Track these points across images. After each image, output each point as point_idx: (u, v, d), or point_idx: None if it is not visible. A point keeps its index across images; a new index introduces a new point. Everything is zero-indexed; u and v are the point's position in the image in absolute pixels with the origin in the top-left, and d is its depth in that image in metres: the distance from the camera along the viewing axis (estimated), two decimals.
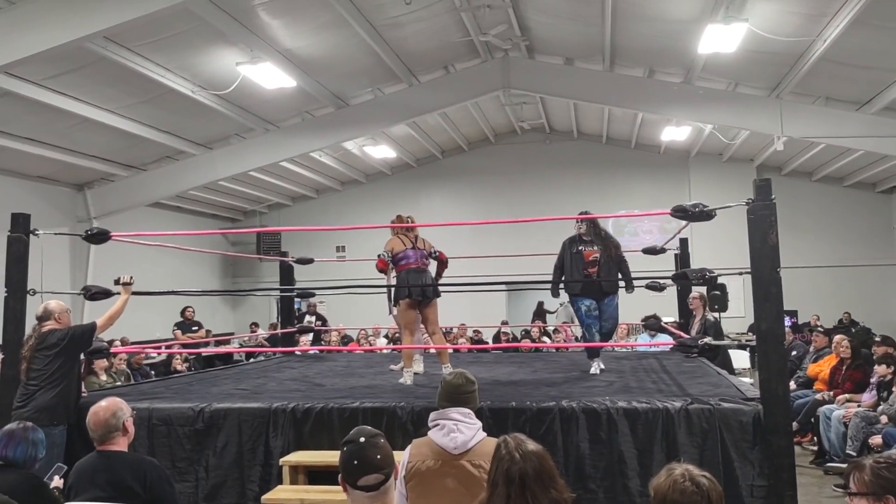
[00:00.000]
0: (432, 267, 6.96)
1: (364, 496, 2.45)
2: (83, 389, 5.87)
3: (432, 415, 3.62)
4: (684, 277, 5.52)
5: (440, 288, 6.85)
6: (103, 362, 8.36)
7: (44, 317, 5.36)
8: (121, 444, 3.70)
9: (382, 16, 10.98)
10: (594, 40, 12.25)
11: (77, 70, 10.24)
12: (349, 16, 10.42)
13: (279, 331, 12.33)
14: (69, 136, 12.26)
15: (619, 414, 4.94)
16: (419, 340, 7.43)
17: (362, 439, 2.51)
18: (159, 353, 9.87)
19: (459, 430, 3.47)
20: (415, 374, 6.85)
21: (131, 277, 5.76)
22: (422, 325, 7.06)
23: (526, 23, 12.38)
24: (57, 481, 4.05)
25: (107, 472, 3.58)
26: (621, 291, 7.23)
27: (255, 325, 17.43)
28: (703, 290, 9.39)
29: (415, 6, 10.41)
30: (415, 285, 6.56)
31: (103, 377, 8.43)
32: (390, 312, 7.49)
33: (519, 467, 2.58)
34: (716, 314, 8.75)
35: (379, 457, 2.48)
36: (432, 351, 7.65)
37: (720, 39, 10.33)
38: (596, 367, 7.09)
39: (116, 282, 5.80)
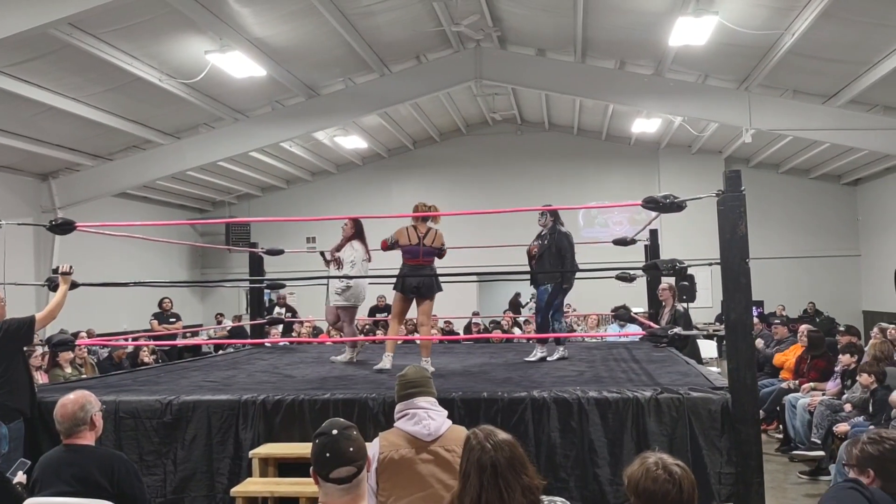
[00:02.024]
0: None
1: (336, 489, 2.43)
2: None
3: (398, 406, 3.66)
4: (655, 268, 5.55)
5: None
6: (67, 354, 8.21)
7: None
8: (88, 438, 3.63)
9: (354, 5, 10.88)
10: (566, 31, 12.26)
11: (42, 57, 10.02)
12: (320, 4, 10.31)
13: (248, 322, 12.25)
14: (33, 124, 12.01)
15: (590, 403, 4.98)
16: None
17: (335, 431, 2.48)
18: (133, 345, 9.70)
19: (430, 416, 3.53)
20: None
21: (70, 267, 5.54)
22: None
23: (498, 13, 12.36)
24: (20, 476, 3.98)
25: (73, 466, 3.51)
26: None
27: (221, 315, 17.30)
28: (672, 280, 9.52)
29: None
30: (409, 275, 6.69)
31: (68, 369, 8.29)
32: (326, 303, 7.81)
33: (490, 456, 2.60)
34: (685, 304, 8.84)
35: (352, 449, 2.46)
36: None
37: (691, 32, 10.40)
38: (535, 354, 7.34)
39: (55, 271, 5.58)
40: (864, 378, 6.34)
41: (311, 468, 2.50)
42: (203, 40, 10.64)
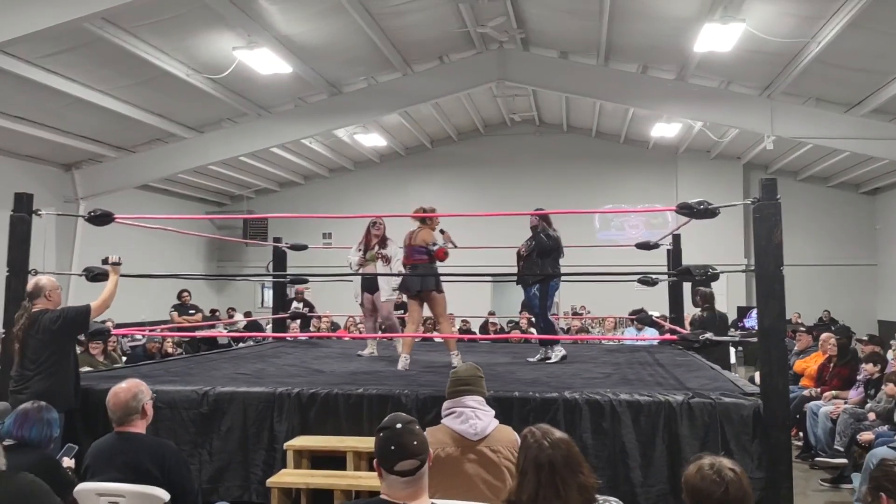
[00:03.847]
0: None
1: (400, 481, 2.49)
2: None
3: (446, 403, 3.70)
4: (687, 273, 5.59)
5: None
6: (100, 345, 8.30)
7: (34, 294, 5.08)
8: (139, 427, 3.70)
9: (381, 4, 10.97)
10: (590, 35, 12.31)
11: (72, 50, 10.15)
12: (348, 3, 10.41)
13: (266, 316, 12.31)
14: (61, 115, 12.15)
15: (622, 406, 5.01)
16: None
17: (399, 425, 2.55)
18: (162, 336, 9.79)
19: (478, 416, 3.57)
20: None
21: (119, 258, 5.55)
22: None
23: (523, 15, 12.41)
24: (68, 461, 4.06)
25: (125, 454, 3.58)
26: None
27: (233, 309, 17.40)
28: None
29: None
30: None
31: (101, 359, 8.38)
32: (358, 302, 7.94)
33: (548, 454, 2.65)
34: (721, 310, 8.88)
35: (415, 443, 2.52)
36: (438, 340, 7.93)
37: (716, 38, 10.43)
38: (547, 354, 7.43)
39: (105, 261, 5.58)
40: (890, 388, 6.36)
41: (375, 461, 2.56)
42: (231, 36, 10.74)
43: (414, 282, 6.83)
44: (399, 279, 7.28)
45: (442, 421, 3.65)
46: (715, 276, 5.49)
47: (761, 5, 9.86)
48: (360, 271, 7.64)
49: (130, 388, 3.70)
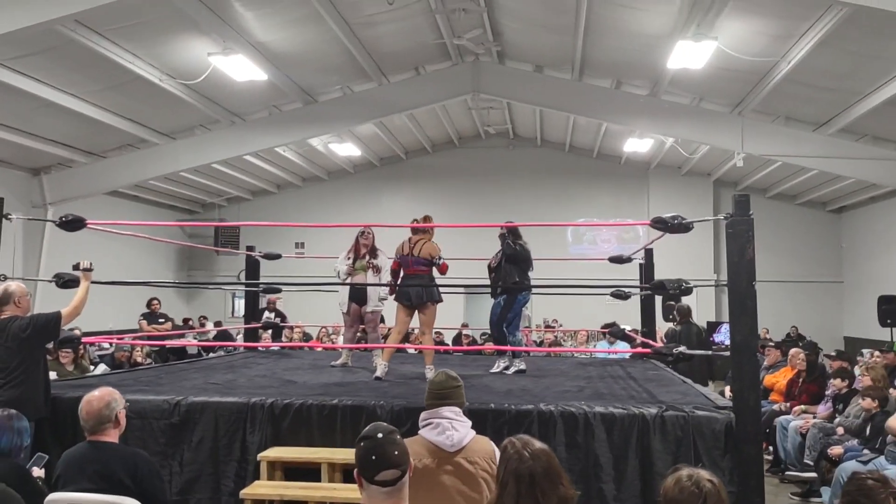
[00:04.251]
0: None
1: (380, 492, 2.48)
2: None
3: (423, 414, 3.68)
4: (662, 287, 5.64)
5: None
6: (70, 354, 8.15)
7: (3, 300, 5.00)
8: (112, 436, 3.64)
9: (358, 14, 10.96)
10: (565, 50, 12.41)
11: (43, 52, 9.99)
12: (324, 11, 10.38)
13: (240, 326, 12.18)
14: (29, 118, 11.93)
15: (597, 419, 5.04)
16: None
17: (380, 435, 2.53)
18: (132, 345, 9.62)
19: (454, 427, 3.55)
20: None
21: (90, 263, 5.47)
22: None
23: (499, 28, 12.48)
24: (38, 471, 3.97)
25: (97, 463, 3.52)
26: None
27: (204, 318, 17.23)
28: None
29: (392, 6, 10.41)
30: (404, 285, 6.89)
31: (70, 368, 8.22)
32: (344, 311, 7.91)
33: (528, 465, 2.65)
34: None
35: (396, 453, 2.51)
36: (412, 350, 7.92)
37: (689, 56, 10.56)
38: (498, 365, 7.52)
39: (76, 267, 5.50)
40: (866, 402, 6.43)
41: (356, 471, 2.54)
42: (206, 42, 10.65)
43: (416, 292, 6.84)
44: (386, 290, 7.30)
45: (419, 432, 3.63)
46: (688, 291, 5.55)
47: (733, 24, 10.01)
48: (348, 281, 7.61)
49: (103, 397, 3.64)
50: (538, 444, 2.75)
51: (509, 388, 6.36)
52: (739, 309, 5.05)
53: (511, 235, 7.40)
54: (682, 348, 5.41)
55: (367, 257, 7.62)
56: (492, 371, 7.50)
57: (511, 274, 7.31)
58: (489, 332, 14.49)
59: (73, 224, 5.90)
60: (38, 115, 11.80)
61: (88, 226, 6.01)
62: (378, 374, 6.75)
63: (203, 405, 5.25)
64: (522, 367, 7.50)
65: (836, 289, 18.38)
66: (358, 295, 7.70)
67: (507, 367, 7.52)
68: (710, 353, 6.34)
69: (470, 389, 6.30)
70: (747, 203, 5.15)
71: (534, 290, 15.13)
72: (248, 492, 4.76)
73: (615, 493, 4.92)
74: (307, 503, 4.67)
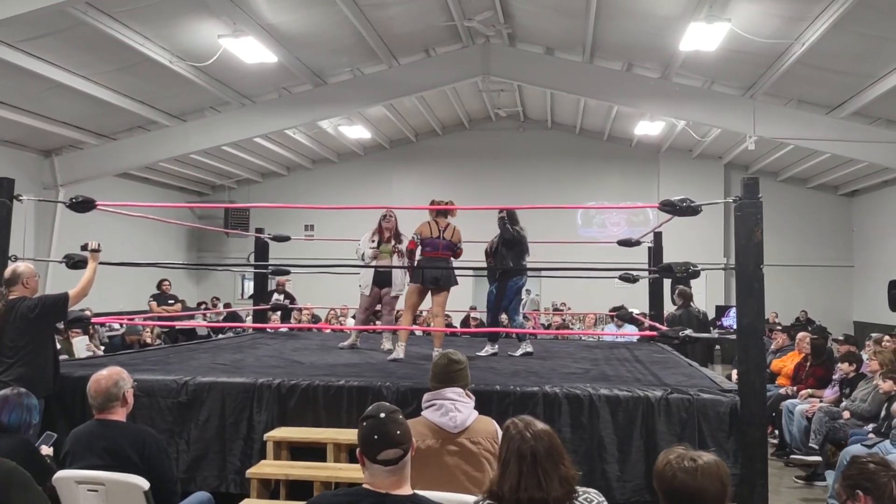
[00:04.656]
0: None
1: (382, 470, 2.50)
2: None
3: (426, 395, 3.71)
4: (669, 270, 5.63)
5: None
6: (79, 332, 8.23)
7: (11, 280, 5.05)
8: (119, 414, 3.69)
9: None
10: (576, 32, 12.33)
11: (55, 34, 10.02)
12: None
13: (248, 307, 12.26)
14: (40, 100, 11.98)
15: (601, 401, 5.05)
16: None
17: (382, 414, 2.56)
18: (143, 325, 9.68)
19: (457, 409, 3.57)
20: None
21: (98, 244, 5.51)
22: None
23: (510, 10, 12.41)
24: (46, 449, 4.03)
25: (105, 440, 3.56)
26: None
27: (217, 299, 17.35)
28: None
29: None
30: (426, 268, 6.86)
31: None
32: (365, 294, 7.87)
33: (530, 445, 2.66)
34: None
35: (398, 432, 2.53)
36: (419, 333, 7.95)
37: (702, 38, 10.49)
38: (487, 350, 7.49)
39: (84, 248, 5.52)
40: (887, 385, 6.38)
41: (358, 450, 2.57)
42: (216, 24, 10.65)
43: (444, 275, 6.89)
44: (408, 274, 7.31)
45: (422, 413, 3.66)
46: (696, 273, 5.53)
47: (746, 5, 9.92)
48: (373, 263, 7.61)
49: (111, 376, 3.68)
50: (540, 425, 2.77)
51: (515, 370, 6.37)
52: (746, 292, 5.03)
53: (509, 220, 7.36)
54: (688, 331, 5.40)
55: (393, 241, 7.62)
56: (478, 354, 7.45)
57: (506, 259, 7.30)
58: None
59: (82, 205, 5.94)
60: (49, 96, 11.84)
61: (98, 207, 6.04)
62: (398, 355, 6.77)
63: (210, 385, 5.29)
64: (529, 349, 7.52)
65: (847, 273, 18.31)
66: (382, 278, 7.73)
67: (494, 353, 7.51)
68: (714, 336, 6.30)
69: (476, 371, 6.32)
70: (756, 186, 5.12)
71: (543, 274, 15.21)
72: (254, 471, 4.81)
73: (619, 474, 4.94)
74: (312, 483, 4.71)
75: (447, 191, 18.31)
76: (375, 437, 2.50)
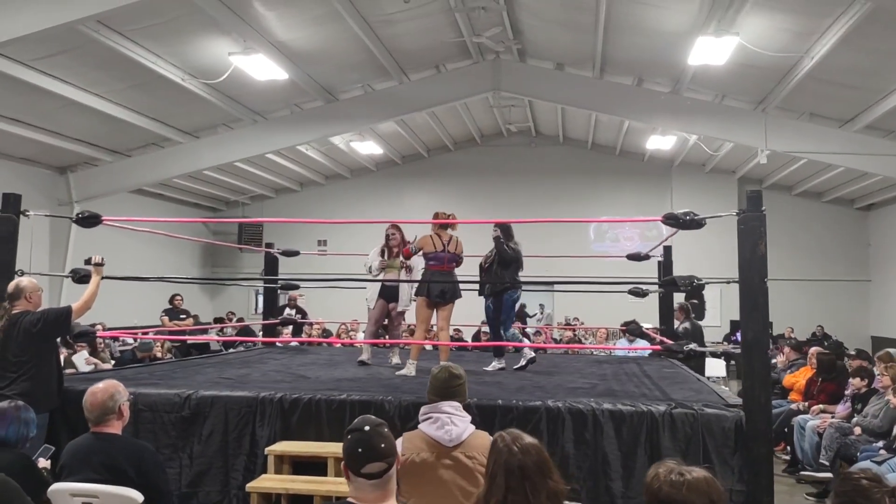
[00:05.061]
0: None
1: (367, 484, 2.48)
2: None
3: (424, 408, 3.68)
4: (673, 284, 5.59)
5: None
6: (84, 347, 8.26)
7: (14, 295, 5.06)
8: (115, 427, 3.69)
9: (377, 12, 11.00)
10: (586, 47, 12.35)
11: (67, 52, 10.16)
12: (344, 10, 10.44)
13: (259, 322, 12.29)
14: (55, 118, 12.14)
15: (605, 416, 5.00)
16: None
17: (367, 427, 2.54)
18: (155, 340, 9.71)
19: (453, 422, 3.54)
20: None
21: (102, 258, 5.49)
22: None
23: (519, 26, 12.46)
24: (44, 462, 4.04)
25: (101, 454, 3.57)
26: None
27: (232, 313, 17.42)
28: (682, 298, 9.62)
29: (411, 4, 10.44)
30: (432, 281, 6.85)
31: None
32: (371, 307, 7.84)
33: (518, 459, 2.64)
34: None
35: (383, 445, 2.51)
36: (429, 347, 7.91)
37: (710, 52, 10.48)
38: (494, 365, 7.43)
39: (87, 262, 5.56)
40: None
41: (343, 463, 2.55)
42: (227, 42, 10.76)
43: (450, 289, 6.89)
44: (414, 288, 7.29)
45: (419, 426, 3.64)
46: (700, 287, 5.49)
47: (755, 19, 9.90)
48: (380, 277, 7.61)
49: (107, 389, 3.69)
50: (528, 439, 2.75)
51: (521, 385, 6.34)
52: (751, 305, 4.98)
53: (504, 236, 7.34)
54: (692, 345, 5.35)
55: (401, 257, 7.62)
56: (486, 369, 7.43)
57: (502, 276, 7.27)
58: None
59: (89, 220, 5.98)
60: (63, 114, 11.99)
61: (104, 222, 6.08)
62: (410, 372, 6.75)
63: (213, 399, 5.29)
64: (532, 354, 7.48)
65: (864, 287, 18.12)
66: (389, 292, 7.72)
67: (502, 368, 7.47)
68: (717, 350, 6.24)
69: (482, 385, 6.34)
70: (759, 199, 5.09)
71: (556, 288, 15.13)
72: (254, 485, 4.80)
73: (623, 490, 4.89)
74: (312, 497, 4.69)
75: (459, 206, 18.34)
76: (360, 450, 2.48)
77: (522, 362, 7.43)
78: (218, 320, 16.62)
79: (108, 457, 3.56)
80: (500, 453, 2.70)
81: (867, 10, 8.70)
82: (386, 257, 7.67)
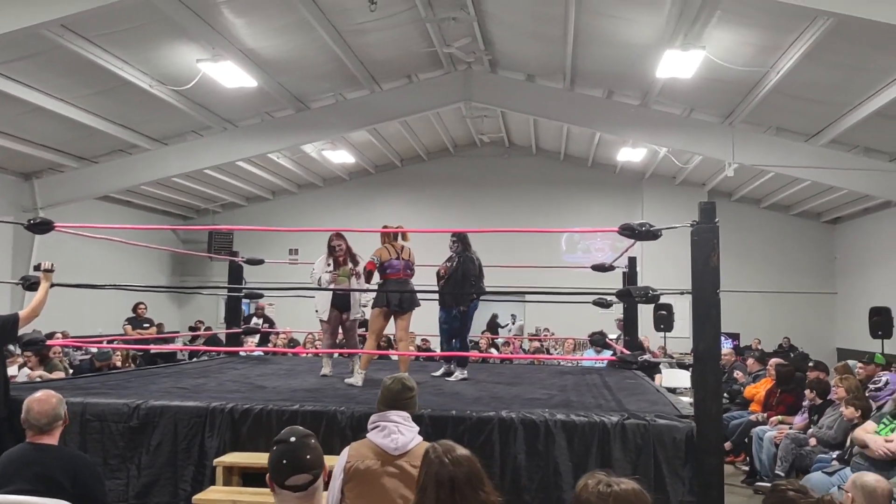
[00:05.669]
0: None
1: (292, 496, 2.45)
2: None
3: (373, 417, 3.69)
4: (628, 295, 5.61)
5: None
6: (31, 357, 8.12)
7: None
8: (56, 437, 3.64)
9: (347, 21, 10.98)
10: (556, 59, 12.42)
11: (31, 57, 10.03)
12: (313, 19, 10.40)
13: (223, 331, 12.18)
14: (19, 123, 11.96)
15: (557, 426, 4.99)
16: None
17: (293, 439, 2.51)
18: (113, 349, 9.55)
19: (400, 431, 3.55)
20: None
21: (52, 264, 5.45)
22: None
23: (490, 37, 12.50)
24: None
25: (37, 464, 3.50)
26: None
27: (200, 322, 17.25)
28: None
29: (379, 14, 10.41)
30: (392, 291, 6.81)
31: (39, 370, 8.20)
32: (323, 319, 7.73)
33: (449, 471, 2.63)
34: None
35: (309, 457, 2.48)
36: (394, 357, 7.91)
37: (678, 65, 10.58)
38: (458, 374, 7.44)
39: (37, 268, 5.52)
40: (849, 411, 6.34)
41: (268, 475, 2.52)
42: (195, 48, 10.68)
43: (407, 298, 6.87)
44: (367, 297, 7.27)
45: (367, 434, 3.63)
46: (655, 298, 5.51)
47: (721, 34, 10.01)
48: (333, 287, 7.53)
49: (51, 396, 3.65)
50: (461, 450, 2.74)
51: (478, 396, 6.32)
52: (703, 317, 5.00)
53: (462, 245, 7.34)
54: (646, 356, 5.36)
55: (350, 264, 7.55)
56: (448, 379, 7.43)
57: (461, 286, 7.25)
58: (476, 339, 14.59)
59: (40, 227, 5.92)
60: (28, 119, 11.83)
61: (56, 229, 6.00)
62: (350, 381, 6.73)
63: (162, 409, 5.22)
64: (465, 374, 7.46)
65: (830, 300, 18.33)
66: (342, 301, 7.64)
67: (448, 374, 7.47)
68: (671, 361, 6.26)
69: (440, 396, 6.32)
70: (713, 211, 5.12)
71: (527, 299, 15.15)
72: (200, 497, 4.72)
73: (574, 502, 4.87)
74: None
75: (433, 215, 18.50)
76: (284, 461, 2.46)
77: (457, 376, 7.41)
78: (193, 329, 16.46)
79: (43, 467, 3.50)
80: (431, 464, 2.68)
81: (830, 25, 8.82)
82: (332, 268, 7.60)
